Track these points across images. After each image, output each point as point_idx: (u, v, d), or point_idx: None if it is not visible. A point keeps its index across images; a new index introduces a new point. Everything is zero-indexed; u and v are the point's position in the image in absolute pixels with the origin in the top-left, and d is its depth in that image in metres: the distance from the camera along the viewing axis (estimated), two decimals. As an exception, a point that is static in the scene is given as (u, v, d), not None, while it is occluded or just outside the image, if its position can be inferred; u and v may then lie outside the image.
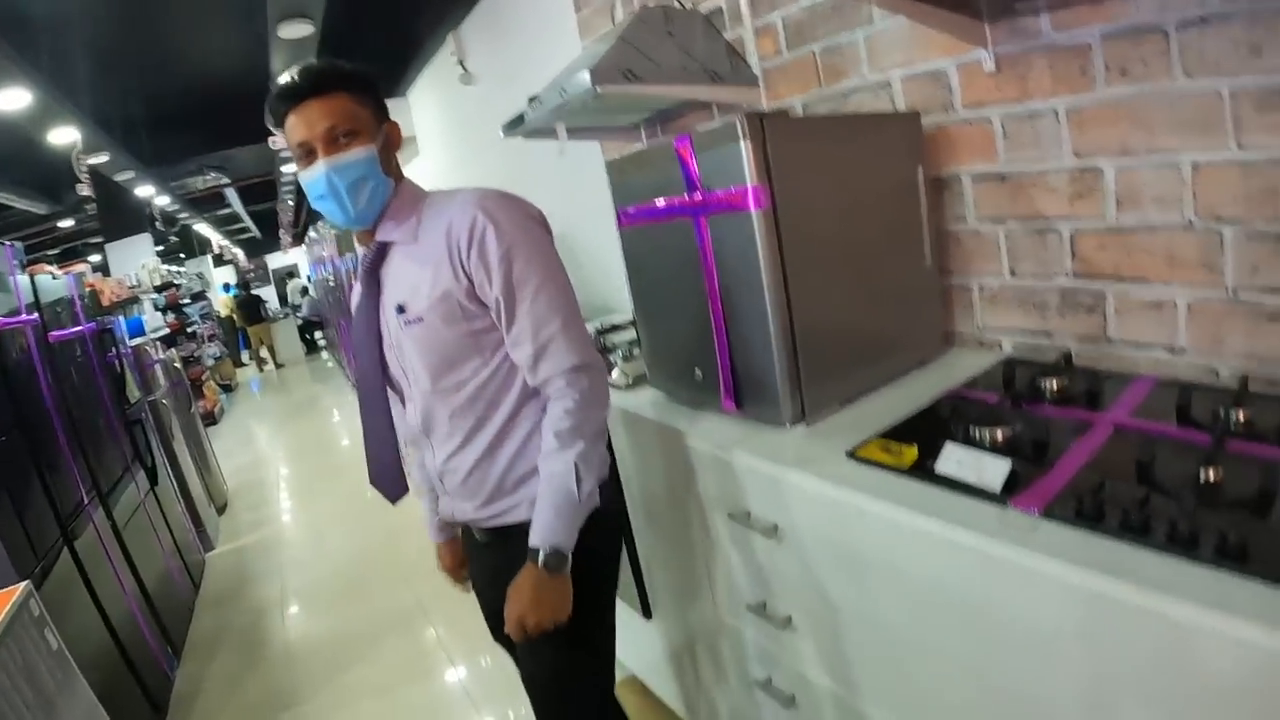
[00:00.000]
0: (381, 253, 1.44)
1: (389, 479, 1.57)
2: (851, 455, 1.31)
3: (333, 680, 2.99)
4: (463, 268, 1.34)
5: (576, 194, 3.25)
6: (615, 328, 2.62)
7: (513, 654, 1.65)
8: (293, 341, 14.44)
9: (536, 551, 1.33)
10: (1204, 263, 1.37)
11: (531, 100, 2.19)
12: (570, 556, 1.35)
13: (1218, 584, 0.86)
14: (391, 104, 1.47)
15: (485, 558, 1.60)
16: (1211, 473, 1.04)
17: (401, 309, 1.40)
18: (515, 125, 2.35)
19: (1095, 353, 1.56)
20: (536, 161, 3.48)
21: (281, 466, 6.68)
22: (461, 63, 4.34)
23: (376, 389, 1.52)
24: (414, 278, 1.38)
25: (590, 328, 2.54)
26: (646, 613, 2.09)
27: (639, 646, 2.25)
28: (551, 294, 1.36)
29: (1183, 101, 1.32)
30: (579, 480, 1.34)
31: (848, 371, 1.56)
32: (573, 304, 1.40)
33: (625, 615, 2.17)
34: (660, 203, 1.59)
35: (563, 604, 1.36)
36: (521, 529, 1.39)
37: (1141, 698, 0.91)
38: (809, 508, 1.32)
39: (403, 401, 1.54)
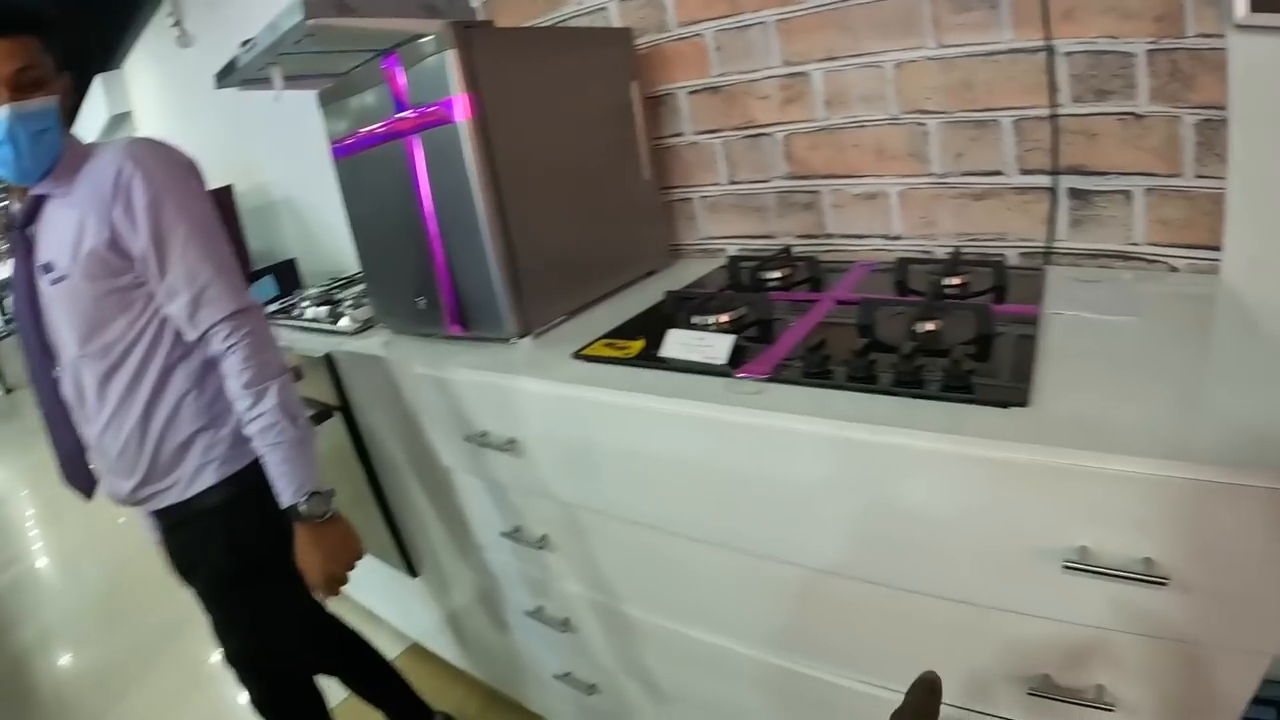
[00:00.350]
0: (34, 209, 1.30)
1: (77, 472, 1.43)
2: (577, 355, 1.30)
3: (113, 712, 2.70)
4: (108, 218, 1.23)
5: (302, 155, 3.06)
6: (349, 281, 2.49)
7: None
8: (18, 362, 12.84)
9: (296, 508, 1.28)
10: (911, 153, 1.47)
11: (245, 44, 2.03)
12: (328, 493, 1.31)
13: (947, 414, 0.91)
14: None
15: (164, 541, 1.49)
16: (930, 324, 1.11)
17: (48, 268, 1.28)
18: (227, 73, 2.18)
19: (817, 248, 1.64)
20: (260, 124, 3.30)
21: (24, 502, 6.00)
22: (179, 23, 4.01)
23: (46, 367, 1.36)
24: (61, 233, 1.27)
25: (319, 288, 2.43)
26: (412, 571, 2.01)
27: (412, 610, 2.17)
28: (203, 241, 1.28)
29: (884, 6, 1.41)
30: (291, 417, 1.29)
31: (572, 284, 1.56)
32: (226, 251, 1.33)
33: (392, 579, 2.10)
34: (370, 128, 1.51)
35: (352, 540, 1.36)
36: (184, 511, 1.35)
37: (890, 527, 0.95)
38: (541, 412, 1.29)
39: None
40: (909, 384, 0.97)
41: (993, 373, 0.98)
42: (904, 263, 1.37)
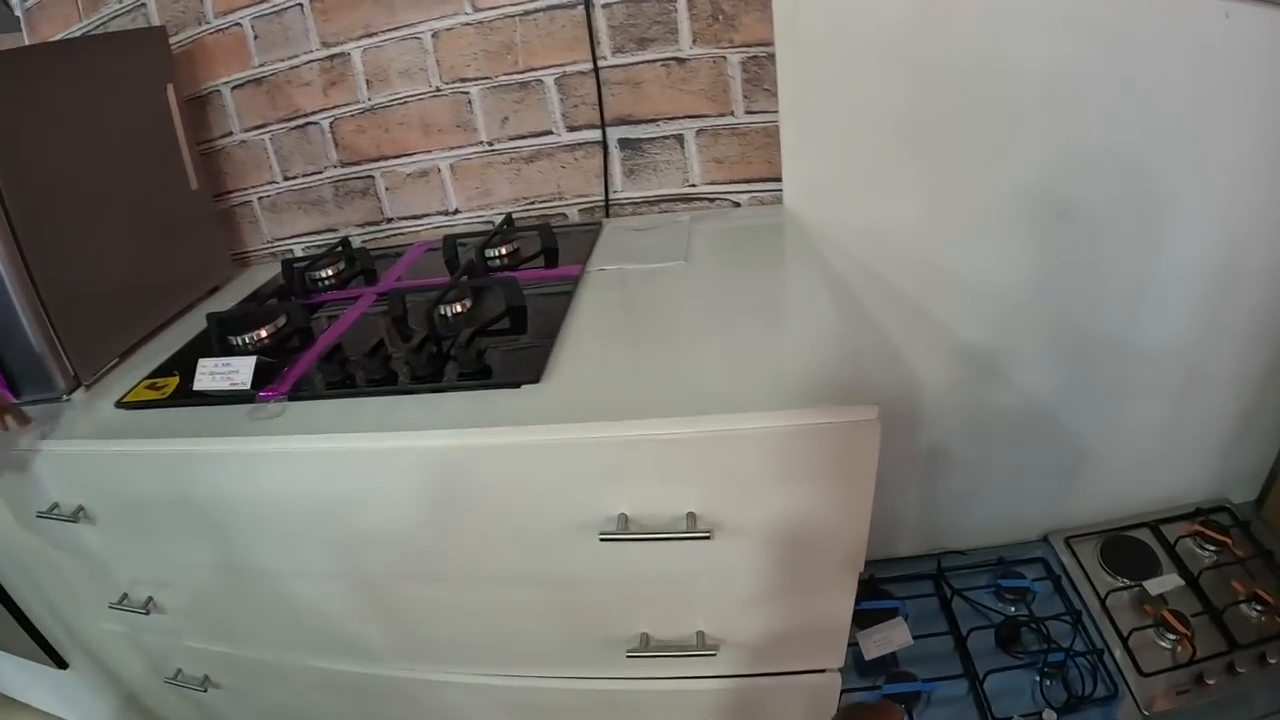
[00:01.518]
0: None
1: None
2: (120, 404, 1.19)
3: None
4: None
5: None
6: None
7: None
8: None
9: None
10: (458, 124, 1.44)
11: None
12: None
13: (469, 403, 0.89)
14: None
15: None
16: (457, 306, 1.10)
17: None
18: None
19: (380, 234, 1.60)
20: None
21: None
22: None
23: None
24: None
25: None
26: (60, 663, 1.81)
27: (83, 702, 1.94)
28: None
29: (416, -25, 1.35)
30: None
31: (122, 322, 1.41)
32: None
33: (51, 676, 1.88)
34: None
35: None
36: None
37: (437, 524, 0.93)
38: (94, 474, 1.17)
39: None
40: (426, 378, 0.95)
41: (515, 349, 0.98)
42: (451, 240, 1.35)
